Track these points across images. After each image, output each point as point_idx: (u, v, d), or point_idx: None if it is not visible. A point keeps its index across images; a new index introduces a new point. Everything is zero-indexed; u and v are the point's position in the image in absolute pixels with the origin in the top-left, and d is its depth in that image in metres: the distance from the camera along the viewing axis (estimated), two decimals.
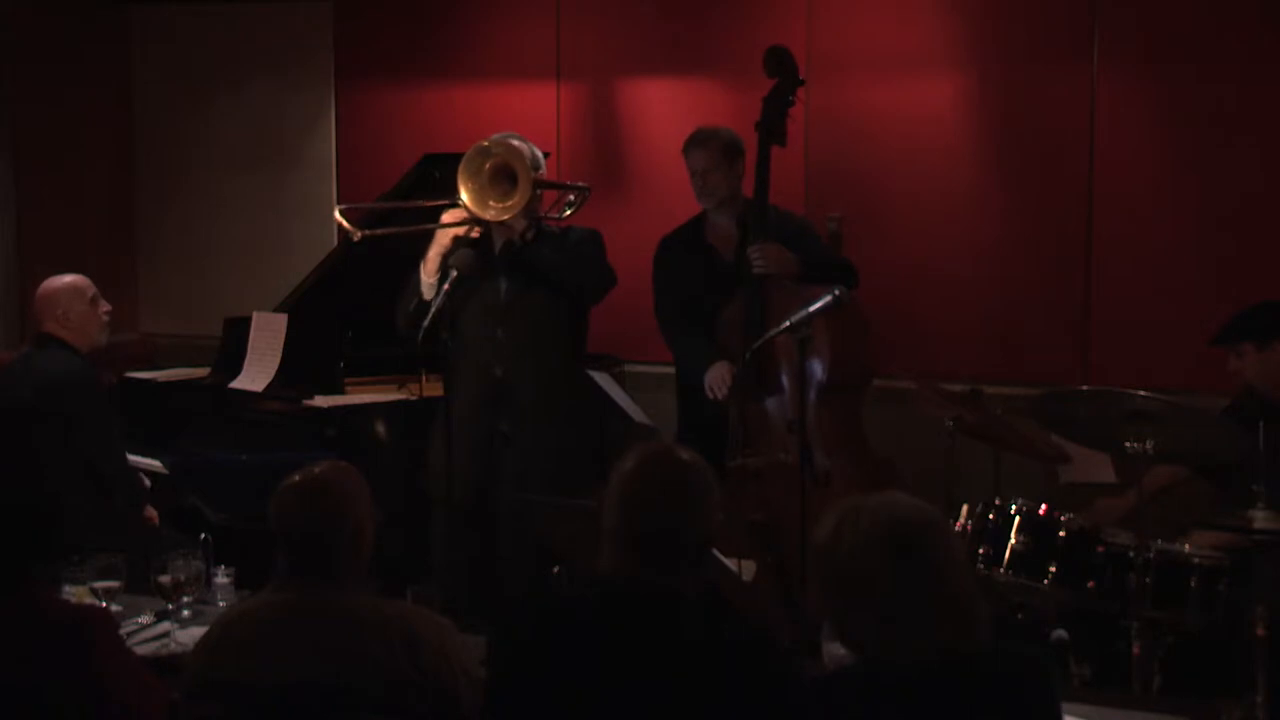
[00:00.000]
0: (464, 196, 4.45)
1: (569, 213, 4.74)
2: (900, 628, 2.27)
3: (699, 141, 4.91)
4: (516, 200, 4.46)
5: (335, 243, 6.51)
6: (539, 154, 4.78)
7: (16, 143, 6.76)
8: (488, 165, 4.48)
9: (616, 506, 2.59)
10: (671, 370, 5.17)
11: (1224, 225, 5.33)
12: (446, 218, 4.61)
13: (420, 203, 4.81)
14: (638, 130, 6.21)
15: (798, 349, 4.04)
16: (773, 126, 4.74)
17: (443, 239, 4.61)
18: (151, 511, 4.94)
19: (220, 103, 7.06)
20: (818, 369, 4.54)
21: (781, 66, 4.76)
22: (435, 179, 5.28)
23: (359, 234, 4.62)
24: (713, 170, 4.86)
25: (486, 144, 4.51)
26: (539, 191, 4.67)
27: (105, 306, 4.96)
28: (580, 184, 4.85)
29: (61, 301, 4.86)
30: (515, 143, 4.70)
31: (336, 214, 4.71)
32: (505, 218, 4.50)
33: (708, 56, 5.99)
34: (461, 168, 4.46)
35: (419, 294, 4.63)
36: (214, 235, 7.12)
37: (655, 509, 2.57)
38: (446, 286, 4.33)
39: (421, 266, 4.65)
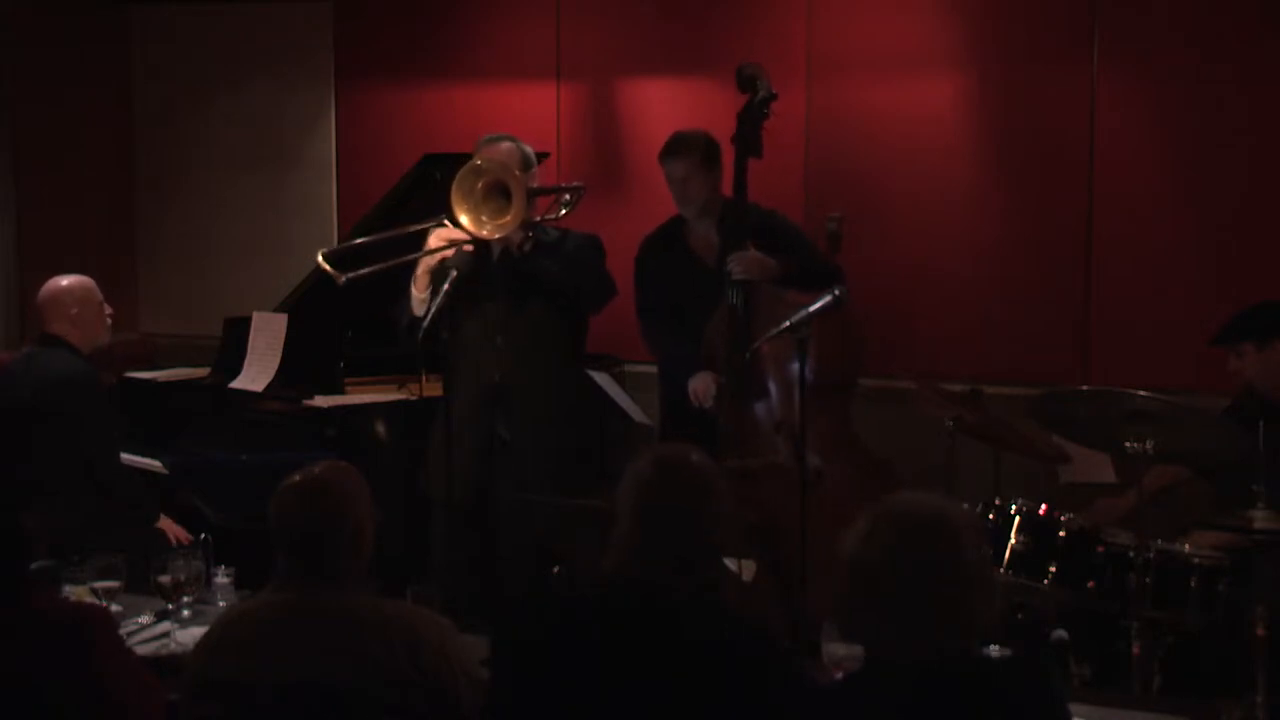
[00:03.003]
0: (460, 218, 4.39)
1: (565, 212, 4.72)
2: (910, 627, 2.26)
3: (676, 150, 4.88)
4: (511, 217, 4.42)
5: (335, 243, 6.52)
6: (531, 154, 4.75)
7: (16, 143, 6.76)
8: (480, 184, 4.44)
9: (630, 509, 2.59)
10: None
11: (1224, 225, 5.33)
12: (434, 240, 4.56)
13: (403, 229, 4.68)
14: (638, 130, 6.21)
15: (796, 349, 4.04)
16: (748, 140, 4.75)
17: (430, 256, 4.56)
18: (168, 522, 4.93)
19: (220, 103, 7.06)
20: (808, 370, 4.54)
21: (753, 83, 4.77)
22: (435, 179, 5.28)
23: (343, 278, 4.41)
24: (691, 178, 4.84)
25: (479, 163, 4.47)
26: (534, 197, 4.66)
27: (110, 310, 4.98)
28: (575, 184, 4.83)
29: (73, 302, 4.87)
30: (506, 146, 4.66)
31: (319, 259, 4.52)
32: (501, 234, 4.47)
33: (708, 56, 5.98)
34: (454, 188, 4.41)
35: (410, 312, 4.60)
36: (214, 235, 7.12)
37: (670, 513, 2.57)
38: (447, 286, 4.32)
39: (412, 284, 4.61)
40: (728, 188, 4.82)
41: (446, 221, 4.52)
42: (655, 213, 5.22)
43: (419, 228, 4.62)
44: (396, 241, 4.66)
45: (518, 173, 4.50)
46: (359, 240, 4.86)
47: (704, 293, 4.81)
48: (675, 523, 2.57)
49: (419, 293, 4.59)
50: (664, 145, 4.93)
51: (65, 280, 4.92)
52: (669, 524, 2.57)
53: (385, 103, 6.72)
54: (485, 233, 4.43)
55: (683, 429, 4.86)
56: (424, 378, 5.28)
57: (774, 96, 4.74)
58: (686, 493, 2.60)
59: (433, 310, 4.33)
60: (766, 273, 4.69)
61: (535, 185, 4.73)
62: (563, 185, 4.86)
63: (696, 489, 2.61)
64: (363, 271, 4.46)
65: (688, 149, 4.86)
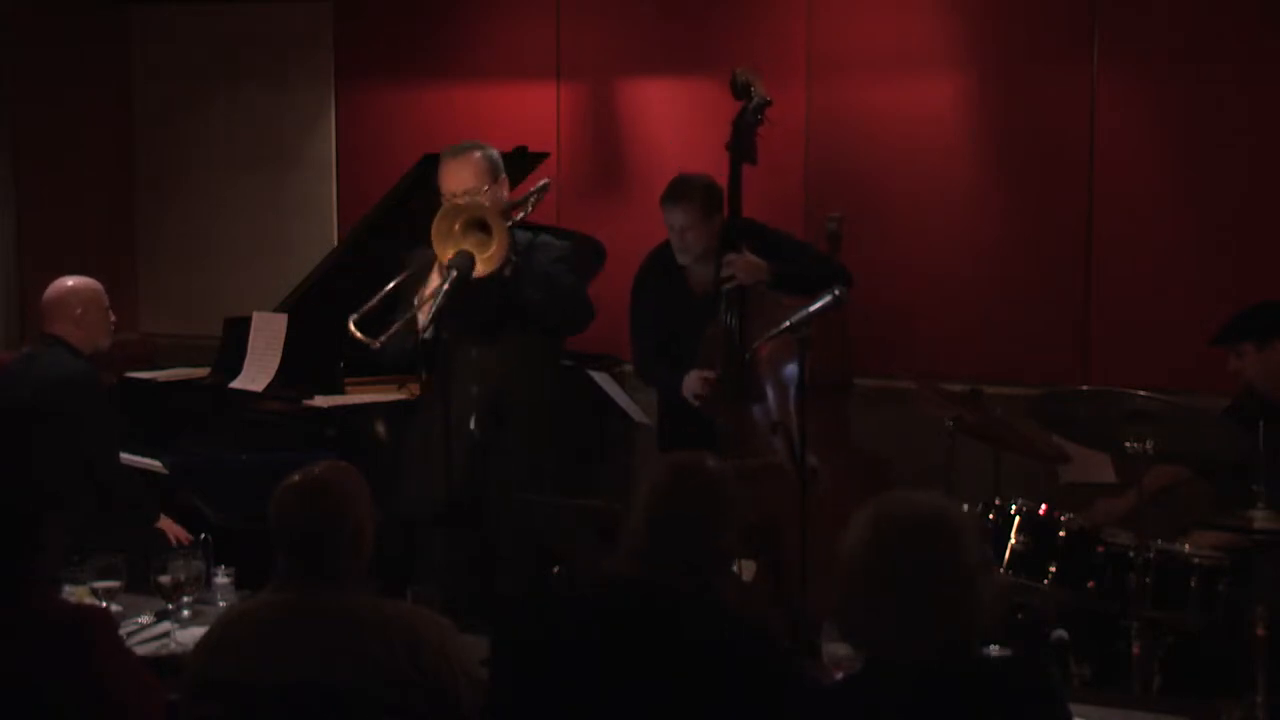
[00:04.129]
0: (446, 260, 4.21)
1: (531, 209, 4.59)
2: (910, 627, 2.26)
3: (677, 197, 4.80)
4: (495, 250, 4.26)
5: (335, 243, 6.52)
6: (498, 160, 4.53)
7: (16, 143, 6.76)
8: (457, 225, 4.30)
9: (644, 514, 2.59)
10: None
11: (1224, 225, 5.33)
12: (436, 276, 4.32)
13: (410, 271, 4.42)
14: (638, 130, 6.21)
15: (797, 349, 4.05)
16: (743, 146, 4.73)
17: (433, 281, 4.32)
18: (168, 522, 4.94)
19: (220, 103, 7.06)
20: (804, 370, 4.54)
21: (747, 90, 4.76)
22: (435, 179, 5.26)
23: (377, 343, 4.25)
24: (691, 228, 4.78)
25: (453, 206, 4.30)
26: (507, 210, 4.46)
27: (113, 316, 5.00)
28: (541, 182, 4.64)
29: (78, 303, 4.88)
30: (475, 156, 4.47)
31: (351, 329, 4.26)
32: (489, 269, 4.25)
33: (708, 56, 5.98)
34: (433, 232, 4.22)
35: (414, 332, 4.34)
36: (214, 235, 7.12)
37: (682, 519, 2.57)
38: (446, 286, 4.29)
39: (417, 307, 4.33)
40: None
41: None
42: (656, 213, 5.21)
43: (423, 262, 4.39)
44: (409, 281, 4.44)
45: (488, 201, 4.35)
46: (377, 299, 4.58)
47: (698, 325, 4.81)
48: (687, 528, 2.58)
49: (425, 317, 4.29)
50: (666, 189, 4.85)
51: (71, 280, 4.93)
52: (680, 529, 2.58)
53: (385, 103, 6.72)
54: (475, 271, 4.29)
55: (681, 429, 4.87)
56: (424, 377, 5.27)
57: (768, 103, 4.73)
58: (700, 499, 2.60)
59: (434, 310, 4.30)
60: (758, 274, 4.68)
61: (507, 198, 4.52)
62: (531, 190, 4.71)
63: (710, 495, 2.61)
64: (393, 330, 4.27)
65: (688, 198, 4.78)
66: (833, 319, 4.59)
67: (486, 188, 4.42)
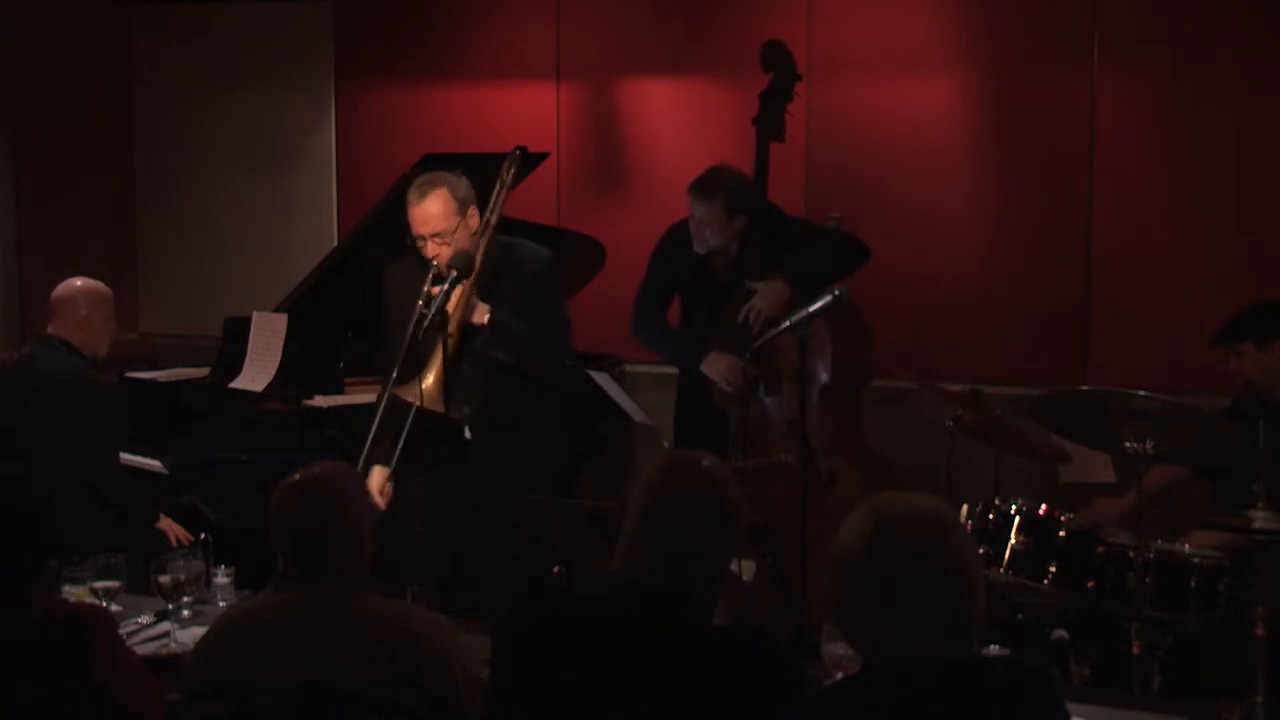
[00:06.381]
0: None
1: (512, 182, 4.40)
2: (909, 627, 2.26)
3: (703, 192, 4.76)
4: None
5: (335, 243, 6.52)
6: (467, 189, 4.30)
7: (16, 143, 6.76)
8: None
9: (641, 513, 2.59)
10: (672, 370, 5.17)
11: (1224, 225, 5.33)
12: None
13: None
14: (638, 130, 6.21)
15: (798, 349, 4.05)
16: (770, 122, 4.70)
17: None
18: (168, 522, 4.94)
19: (220, 103, 7.06)
20: (819, 369, 4.54)
21: (779, 61, 4.73)
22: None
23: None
24: (709, 224, 4.76)
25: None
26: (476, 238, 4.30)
27: (115, 325, 5.03)
28: (513, 150, 4.45)
29: (85, 304, 4.88)
30: (443, 194, 4.24)
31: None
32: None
33: (708, 56, 5.99)
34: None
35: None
36: (214, 235, 7.12)
37: (682, 521, 2.57)
38: (446, 286, 4.28)
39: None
40: (747, 168, 4.76)
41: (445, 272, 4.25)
42: (656, 212, 5.23)
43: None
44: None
45: (462, 239, 4.23)
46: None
47: (706, 304, 4.80)
48: (684, 529, 2.57)
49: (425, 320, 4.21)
50: (697, 177, 4.82)
51: (80, 282, 4.94)
52: (678, 529, 2.57)
53: (385, 103, 6.72)
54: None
55: (695, 425, 4.86)
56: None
57: (798, 77, 4.70)
58: (697, 499, 2.59)
59: (434, 310, 4.28)
60: (782, 299, 4.64)
61: (475, 226, 4.33)
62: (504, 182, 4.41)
63: (708, 496, 2.60)
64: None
65: (712, 195, 4.73)
66: (859, 318, 4.59)
67: (456, 226, 4.27)
